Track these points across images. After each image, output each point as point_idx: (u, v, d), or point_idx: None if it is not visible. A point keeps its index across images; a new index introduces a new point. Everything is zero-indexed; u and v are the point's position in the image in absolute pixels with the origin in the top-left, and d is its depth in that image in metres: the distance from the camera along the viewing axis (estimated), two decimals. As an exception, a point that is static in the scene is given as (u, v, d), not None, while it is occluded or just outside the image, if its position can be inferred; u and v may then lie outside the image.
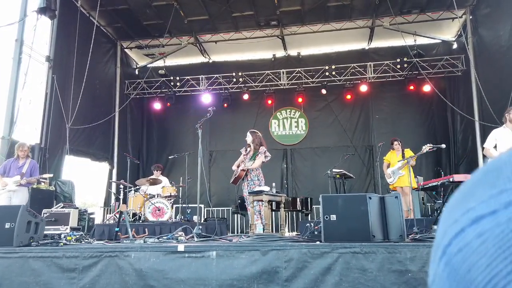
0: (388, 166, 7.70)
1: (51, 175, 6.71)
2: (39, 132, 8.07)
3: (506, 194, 0.20)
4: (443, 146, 5.94)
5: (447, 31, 10.66)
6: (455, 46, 10.81)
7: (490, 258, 0.19)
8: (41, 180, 6.74)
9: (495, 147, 5.40)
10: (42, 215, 5.91)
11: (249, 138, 6.37)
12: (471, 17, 9.75)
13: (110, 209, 9.94)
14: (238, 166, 6.27)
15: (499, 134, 5.37)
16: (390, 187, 7.71)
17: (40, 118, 8.15)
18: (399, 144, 7.66)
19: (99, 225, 7.14)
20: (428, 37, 10.57)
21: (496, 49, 8.37)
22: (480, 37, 9.34)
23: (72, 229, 6.41)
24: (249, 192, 5.20)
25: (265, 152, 6.23)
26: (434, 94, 9.94)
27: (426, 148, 6.21)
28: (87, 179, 11.30)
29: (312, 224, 4.66)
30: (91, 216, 8.08)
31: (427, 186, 5.84)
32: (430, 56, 10.54)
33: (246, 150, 6.38)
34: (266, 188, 5.09)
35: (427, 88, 10.18)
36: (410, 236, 4.09)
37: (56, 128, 8.33)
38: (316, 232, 4.41)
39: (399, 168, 7.31)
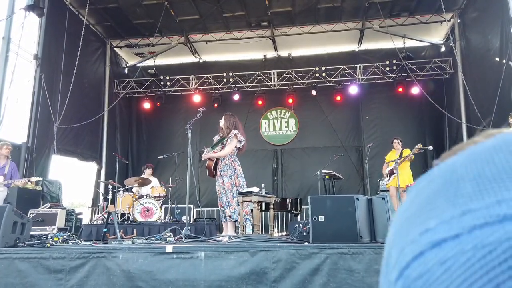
0: (388, 166, 7.69)
1: (40, 179, 6.61)
2: (26, 131, 7.96)
3: (470, 217, 0.18)
4: (430, 148, 6.04)
5: (436, 34, 10.80)
6: (443, 49, 10.96)
7: None
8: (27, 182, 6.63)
9: None
10: (28, 215, 5.83)
11: (221, 120, 5.47)
12: (459, 20, 9.89)
13: (98, 210, 9.86)
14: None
15: None
16: (386, 186, 7.74)
17: (27, 117, 8.04)
18: (398, 143, 7.56)
19: (86, 226, 7.08)
20: (417, 40, 10.69)
21: (483, 53, 8.50)
22: (467, 40, 9.48)
23: (59, 229, 6.34)
24: (238, 193, 5.18)
25: (236, 135, 5.22)
26: (423, 96, 10.07)
27: (416, 148, 6.35)
28: (75, 179, 11.19)
29: (300, 225, 4.69)
30: (79, 216, 8.00)
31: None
32: (419, 58, 10.67)
33: (219, 135, 5.56)
34: (256, 189, 5.10)
35: (415, 90, 10.31)
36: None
37: (43, 127, 8.22)
38: (304, 233, 4.44)
39: (393, 168, 7.34)
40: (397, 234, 0.22)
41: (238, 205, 5.12)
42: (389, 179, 7.44)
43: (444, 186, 0.20)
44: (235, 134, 5.28)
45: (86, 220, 8.93)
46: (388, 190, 7.68)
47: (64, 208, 7.33)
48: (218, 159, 5.33)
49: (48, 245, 4.01)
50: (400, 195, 6.81)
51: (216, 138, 5.62)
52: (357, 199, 3.72)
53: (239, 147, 5.36)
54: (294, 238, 4.51)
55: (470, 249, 0.17)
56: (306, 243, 3.84)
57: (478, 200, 0.18)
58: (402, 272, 0.20)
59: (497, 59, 7.65)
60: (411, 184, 6.49)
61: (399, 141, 7.58)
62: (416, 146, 6.72)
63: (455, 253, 0.18)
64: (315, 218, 3.76)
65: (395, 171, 7.29)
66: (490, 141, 0.21)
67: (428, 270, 0.19)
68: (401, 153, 7.36)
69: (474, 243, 0.17)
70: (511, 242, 0.16)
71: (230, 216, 5.26)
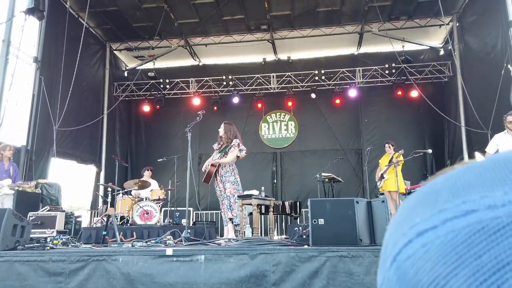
0: (380, 169, 7.78)
1: (46, 181, 6.61)
2: (25, 134, 7.96)
3: (444, 213, 0.25)
4: (430, 151, 6.05)
5: (435, 38, 10.84)
6: (442, 52, 10.99)
7: (433, 263, 0.24)
8: (37, 185, 6.62)
9: (497, 151, 5.50)
10: (28, 218, 5.83)
11: (221, 130, 5.78)
12: (457, 24, 9.93)
13: (97, 212, 9.84)
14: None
15: (500, 139, 5.45)
16: (380, 190, 7.80)
17: (27, 120, 8.04)
18: (389, 147, 7.70)
19: (86, 229, 7.07)
20: (416, 43, 10.73)
21: (482, 56, 8.53)
22: (466, 44, 9.52)
23: (59, 232, 6.33)
24: (238, 196, 5.19)
25: (238, 144, 5.59)
26: (422, 99, 10.09)
27: (398, 155, 6.51)
28: (73, 182, 11.17)
29: (300, 228, 4.69)
30: (78, 219, 8.00)
31: (414, 190, 5.92)
32: (418, 62, 10.70)
33: (219, 144, 5.81)
34: (255, 192, 5.11)
35: (414, 93, 10.34)
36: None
37: (43, 130, 8.22)
38: (304, 236, 4.45)
39: (384, 172, 7.42)
40: (392, 232, 0.30)
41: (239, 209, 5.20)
42: (380, 183, 7.52)
43: (427, 195, 0.28)
44: (238, 143, 5.59)
45: (85, 223, 8.91)
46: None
47: (64, 211, 7.33)
48: (219, 166, 5.55)
49: (48, 248, 4.00)
50: (390, 198, 6.85)
51: (215, 146, 5.85)
52: (357, 202, 3.72)
53: (238, 156, 5.63)
54: (294, 241, 4.51)
55: (443, 235, 0.25)
56: (306, 246, 3.84)
57: (450, 202, 0.26)
58: (395, 257, 0.27)
59: (496, 62, 7.67)
60: (407, 188, 6.54)
61: (390, 145, 7.71)
62: (399, 151, 6.90)
63: (433, 238, 0.25)
64: (315, 221, 3.77)
65: (385, 176, 7.39)
66: (464, 165, 0.29)
67: (414, 252, 0.26)
68: (392, 157, 7.44)
69: (446, 230, 0.25)
70: (470, 228, 0.24)
71: (231, 219, 5.31)
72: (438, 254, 0.24)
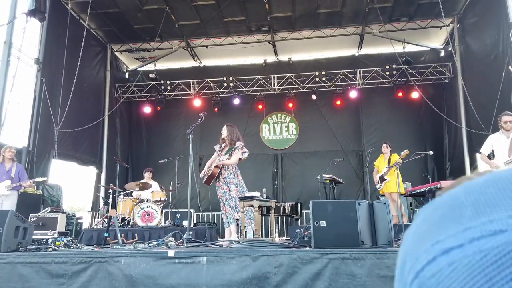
0: (378, 171, 7.75)
1: (45, 179, 6.60)
2: (27, 135, 7.97)
3: (470, 232, 0.25)
4: (431, 153, 6.05)
5: (435, 39, 10.85)
6: (442, 53, 11.01)
7: (461, 283, 0.24)
8: (35, 183, 6.62)
9: (492, 152, 5.51)
10: (29, 220, 5.83)
11: (224, 132, 5.79)
12: (458, 25, 9.94)
13: (98, 214, 9.85)
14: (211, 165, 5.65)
15: (495, 140, 5.46)
16: (380, 192, 7.78)
17: (28, 121, 8.05)
18: (387, 147, 7.67)
19: (87, 230, 7.08)
20: (416, 45, 10.74)
21: (483, 57, 8.54)
22: (467, 45, 9.53)
23: (60, 234, 6.34)
24: (239, 198, 5.20)
25: (242, 147, 5.60)
26: (423, 101, 10.10)
27: (403, 155, 6.40)
28: (74, 183, 11.17)
29: (302, 229, 4.69)
30: (79, 220, 8.00)
31: (415, 192, 5.93)
32: (419, 63, 10.71)
33: (221, 146, 5.80)
34: (257, 194, 5.11)
35: (415, 94, 10.35)
36: (398, 242, 4.15)
37: (44, 131, 8.24)
38: (306, 238, 4.45)
39: (384, 174, 7.38)
40: (411, 247, 0.29)
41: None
42: (381, 185, 7.46)
43: (449, 210, 0.28)
44: (242, 146, 5.60)
45: (86, 225, 8.92)
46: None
47: (65, 212, 7.34)
48: (222, 167, 5.55)
49: (50, 249, 4.01)
50: (390, 200, 6.82)
51: (217, 147, 5.85)
52: (359, 204, 3.73)
53: (241, 158, 5.65)
54: (296, 243, 4.52)
55: (470, 254, 0.24)
56: (307, 248, 3.84)
57: (476, 220, 0.26)
58: (418, 274, 0.27)
59: (497, 63, 7.68)
60: (408, 189, 6.52)
61: (388, 145, 7.65)
62: (403, 152, 6.72)
63: (460, 257, 0.25)
64: (316, 223, 3.77)
65: (386, 177, 7.33)
66: (483, 177, 0.29)
67: (440, 270, 0.25)
68: (389, 158, 7.41)
69: (474, 250, 0.24)
70: (499, 249, 0.24)
71: (238, 220, 5.35)
72: (466, 274, 0.24)
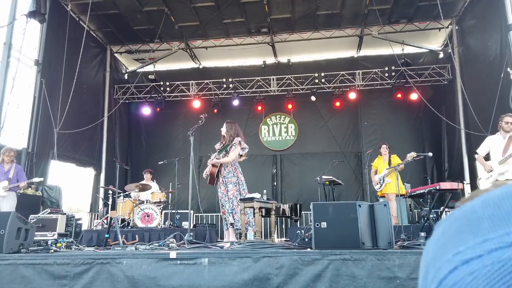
0: (376, 172, 7.72)
1: (42, 179, 6.60)
2: (26, 136, 7.97)
3: (488, 243, 0.28)
4: (430, 154, 6.06)
5: (434, 41, 10.90)
6: (441, 55, 11.04)
7: None
8: (30, 184, 6.63)
9: (489, 153, 5.53)
10: (29, 221, 5.83)
11: (223, 128, 5.59)
12: (457, 27, 9.99)
13: (97, 215, 9.84)
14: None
15: (493, 142, 5.48)
16: (378, 193, 7.78)
17: (28, 123, 8.05)
18: (387, 148, 7.64)
19: (87, 231, 7.08)
20: (415, 46, 10.78)
21: (482, 59, 8.58)
22: (466, 47, 9.57)
23: (60, 235, 6.35)
24: (240, 199, 5.20)
25: (240, 142, 5.34)
26: (421, 102, 10.14)
27: (410, 157, 6.30)
28: (72, 184, 11.15)
29: (302, 231, 4.71)
30: (79, 222, 8.00)
31: (414, 193, 5.95)
32: (417, 65, 10.76)
33: (221, 144, 5.60)
34: (257, 195, 5.13)
35: (414, 96, 10.38)
36: (398, 243, 4.18)
37: (43, 132, 8.24)
38: (306, 239, 4.47)
39: (385, 175, 7.37)
40: (433, 258, 0.32)
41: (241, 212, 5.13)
42: (381, 186, 7.43)
43: (467, 223, 0.30)
44: (240, 141, 5.35)
45: (85, 226, 8.92)
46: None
47: (64, 213, 7.34)
48: (221, 166, 5.36)
49: (52, 251, 4.02)
50: (390, 202, 6.80)
51: (218, 146, 5.65)
52: (359, 205, 3.75)
53: (241, 155, 5.44)
54: (296, 244, 4.54)
55: (489, 264, 0.27)
56: (308, 249, 3.86)
57: (494, 232, 0.28)
58: (441, 282, 0.29)
59: (496, 65, 7.72)
60: (407, 191, 6.53)
61: (387, 146, 7.61)
62: (408, 154, 6.39)
63: (480, 267, 0.27)
64: (317, 225, 3.79)
65: (387, 179, 7.30)
66: (498, 190, 0.30)
67: (461, 279, 0.27)
68: (389, 159, 7.39)
69: (492, 260, 0.27)
70: None
71: (232, 224, 5.26)
72: (486, 282, 0.26)
